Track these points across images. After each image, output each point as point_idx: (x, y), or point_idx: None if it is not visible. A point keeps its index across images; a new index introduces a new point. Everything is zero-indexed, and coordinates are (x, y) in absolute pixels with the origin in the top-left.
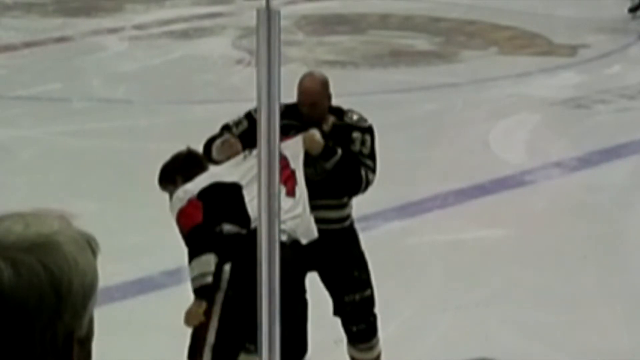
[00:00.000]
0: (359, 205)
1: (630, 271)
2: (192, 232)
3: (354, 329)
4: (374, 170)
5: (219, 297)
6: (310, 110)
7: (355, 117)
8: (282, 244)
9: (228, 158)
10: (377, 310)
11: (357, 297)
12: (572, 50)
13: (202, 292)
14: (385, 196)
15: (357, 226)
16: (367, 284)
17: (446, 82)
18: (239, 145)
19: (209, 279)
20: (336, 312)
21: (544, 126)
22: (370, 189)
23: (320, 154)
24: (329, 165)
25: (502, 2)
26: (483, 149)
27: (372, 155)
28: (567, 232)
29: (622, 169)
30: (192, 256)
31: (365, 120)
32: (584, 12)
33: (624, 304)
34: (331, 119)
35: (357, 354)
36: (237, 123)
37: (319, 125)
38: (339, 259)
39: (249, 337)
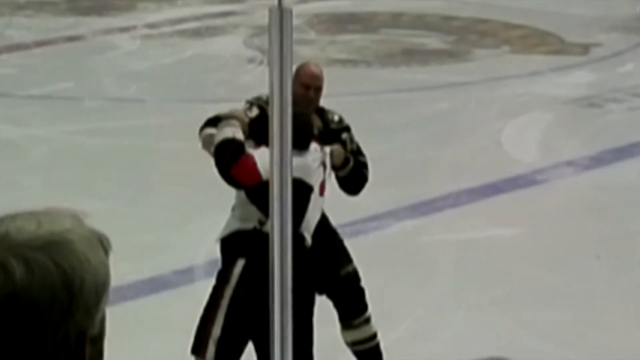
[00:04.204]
0: (371, 205)
1: None
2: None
3: (349, 302)
4: (367, 166)
5: (228, 292)
6: (314, 96)
7: (336, 118)
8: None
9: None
10: (388, 307)
11: (350, 268)
12: (584, 49)
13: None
14: (397, 195)
15: (369, 225)
16: (351, 257)
17: (458, 81)
18: (239, 107)
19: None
20: (327, 290)
21: (556, 125)
22: (382, 188)
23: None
24: (343, 173)
25: (514, 1)
26: (495, 148)
27: (361, 150)
28: (579, 231)
29: (635, 167)
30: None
31: (343, 117)
32: (596, 10)
33: (637, 303)
34: (317, 119)
35: (354, 335)
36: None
37: (309, 116)
38: (327, 235)
39: (254, 334)
